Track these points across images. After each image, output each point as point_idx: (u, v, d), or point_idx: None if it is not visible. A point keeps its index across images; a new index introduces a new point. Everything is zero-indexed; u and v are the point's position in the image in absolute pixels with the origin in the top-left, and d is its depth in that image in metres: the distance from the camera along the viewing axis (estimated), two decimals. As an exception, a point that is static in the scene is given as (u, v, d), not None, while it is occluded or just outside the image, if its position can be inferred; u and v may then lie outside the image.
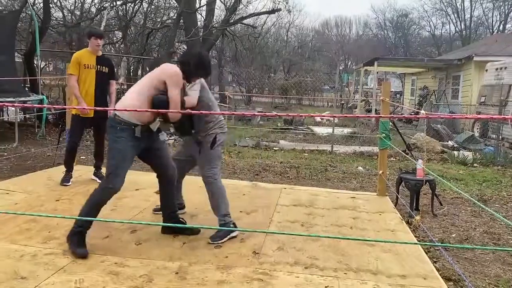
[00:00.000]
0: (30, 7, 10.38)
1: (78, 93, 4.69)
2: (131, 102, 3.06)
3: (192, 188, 4.43)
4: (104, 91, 4.91)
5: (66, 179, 4.82)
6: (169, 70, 3.14)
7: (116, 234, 3.35)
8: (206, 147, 3.44)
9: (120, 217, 3.74)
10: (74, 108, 4.72)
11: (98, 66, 4.80)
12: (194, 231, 3.46)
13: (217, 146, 3.45)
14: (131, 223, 3.49)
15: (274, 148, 9.06)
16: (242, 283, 2.68)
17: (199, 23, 17.69)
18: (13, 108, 9.58)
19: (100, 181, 4.76)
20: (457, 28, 36.56)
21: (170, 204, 3.48)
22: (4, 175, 5.44)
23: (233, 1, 19.03)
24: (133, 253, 3.01)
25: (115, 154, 3.04)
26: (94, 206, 3.05)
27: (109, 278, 2.65)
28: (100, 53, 4.87)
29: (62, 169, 5.13)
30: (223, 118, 3.60)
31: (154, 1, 18.26)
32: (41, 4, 11.22)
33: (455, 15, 36.16)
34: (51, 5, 11.92)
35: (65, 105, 5.17)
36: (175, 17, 15.34)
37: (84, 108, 4.65)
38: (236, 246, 3.25)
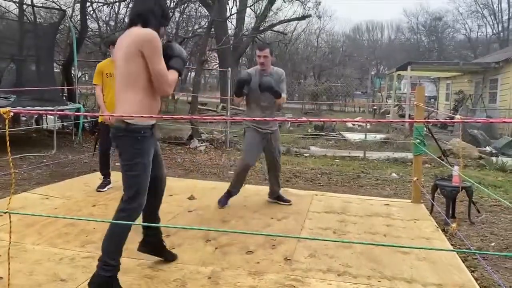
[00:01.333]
0: (68, 19, 10.79)
1: (101, 102, 4.83)
2: (132, 106, 2.50)
3: (220, 194, 4.48)
4: None
5: (101, 185, 4.96)
6: (145, 35, 2.44)
7: (150, 239, 3.42)
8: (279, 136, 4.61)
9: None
10: (101, 115, 4.84)
11: None
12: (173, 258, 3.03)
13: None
14: (167, 227, 3.55)
15: (305, 155, 9.01)
16: (274, 289, 2.68)
17: (229, 31, 17.91)
18: (51, 117, 9.96)
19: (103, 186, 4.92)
20: (494, 31, 35.45)
21: (154, 212, 2.94)
22: (43, 181, 5.65)
23: (263, 9, 19.15)
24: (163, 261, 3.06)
25: (138, 170, 2.54)
26: (121, 237, 2.57)
27: (144, 281, 2.71)
28: None
29: (98, 175, 5.28)
30: None
31: (186, 11, 18.60)
32: (78, 16, 11.64)
33: (492, 17, 35.07)
34: (87, 17, 12.34)
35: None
36: (206, 25, 15.57)
37: (106, 115, 4.64)
38: (268, 252, 3.25)
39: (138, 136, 2.50)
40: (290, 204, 4.57)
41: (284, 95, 4.31)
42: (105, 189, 4.93)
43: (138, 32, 2.48)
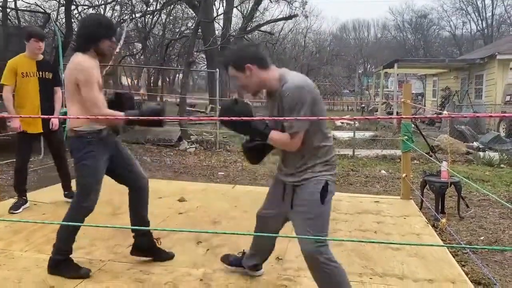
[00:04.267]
0: (53, 22, 10.67)
1: (11, 107, 4.03)
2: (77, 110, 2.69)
3: (215, 196, 4.46)
4: (50, 101, 4.23)
5: (15, 206, 4.13)
6: (76, 66, 2.65)
7: (140, 242, 3.39)
8: (310, 200, 2.25)
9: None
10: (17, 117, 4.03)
11: (40, 73, 4.11)
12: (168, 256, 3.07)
13: (328, 200, 2.28)
14: (157, 230, 3.52)
15: (295, 154, 9.03)
16: (267, 289, 2.67)
17: (217, 32, 17.86)
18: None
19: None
20: (478, 27, 35.89)
21: (142, 221, 2.98)
22: (31, 186, 5.57)
23: (250, 9, 19.15)
24: (158, 261, 3.04)
25: (85, 172, 2.72)
26: (72, 228, 2.78)
27: (135, 285, 2.68)
28: (41, 57, 4.17)
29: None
30: (333, 152, 2.39)
31: (172, 12, 18.54)
32: (64, 20, 11.53)
33: (476, 14, 35.51)
34: (72, 20, 12.23)
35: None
36: (193, 27, 15.54)
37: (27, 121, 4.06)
38: (260, 253, 3.24)
39: (85, 141, 2.70)
40: None
41: (279, 135, 2.28)
42: (20, 210, 4.13)
43: (73, 60, 2.71)
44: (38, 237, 3.43)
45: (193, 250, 3.26)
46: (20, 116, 3.99)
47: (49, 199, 4.62)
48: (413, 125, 5.19)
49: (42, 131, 4.24)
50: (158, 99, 20.66)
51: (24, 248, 3.24)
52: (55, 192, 4.96)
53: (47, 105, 4.19)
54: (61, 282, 2.69)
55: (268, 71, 2.29)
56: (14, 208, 4.13)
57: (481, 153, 8.54)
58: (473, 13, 35.69)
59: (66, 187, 4.53)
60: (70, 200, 4.00)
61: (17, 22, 10.73)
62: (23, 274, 2.79)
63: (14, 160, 4.39)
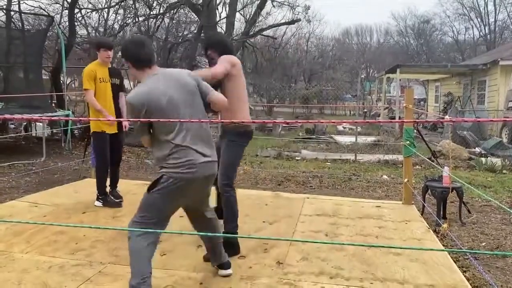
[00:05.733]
0: (57, 25, 10.71)
1: (100, 107, 4.36)
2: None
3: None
4: (118, 105, 4.61)
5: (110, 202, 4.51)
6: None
7: (141, 245, 3.38)
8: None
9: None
10: (97, 120, 4.30)
11: (112, 79, 4.53)
12: None
13: (157, 191, 2.48)
14: (159, 232, 3.51)
15: (296, 158, 9.02)
16: (267, 293, 2.66)
17: (219, 36, 17.86)
18: (40, 124, 9.86)
19: (117, 201, 4.51)
20: (481, 33, 35.83)
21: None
22: (32, 188, 5.58)
23: (252, 14, 19.21)
24: (158, 264, 3.03)
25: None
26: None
27: (135, 288, 2.67)
28: (109, 65, 4.62)
29: (88, 182, 5.22)
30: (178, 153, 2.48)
31: (175, 16, 18.59)
32: (67, 23, 11.57)
33: (479, 20, 35.47)
34: (76, 23, 12.27)
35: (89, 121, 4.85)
36: (196, 31, 15.58)
37: (110, 120, 4.42)
38: (260, 257, 3.23)
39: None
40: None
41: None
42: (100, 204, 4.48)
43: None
44: (39, 239, 3.43)
45: (193, 254, 3.25)
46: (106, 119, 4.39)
47: (50, 201, 4.62)
48: (415, 130, 5.17)
49: (117, 131, 4.57)
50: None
51: (25, 250, 3.24)
52: (56, 194, 4.96)
53: (117, 108, 4.58)
54: (61, 284, 2.69)
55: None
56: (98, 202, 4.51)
57: (483, 159, 8.51)
58: (475, 18, 35.65)
59: (115, 185, 4.73)
60: (112, 198, 4.53)
61: (20, 25, 10.75)
62: (23, 275, 2.79)
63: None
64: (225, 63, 3.19)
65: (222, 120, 3.31)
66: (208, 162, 2.54)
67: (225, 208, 3.27)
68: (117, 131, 4.57)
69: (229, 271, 2.89)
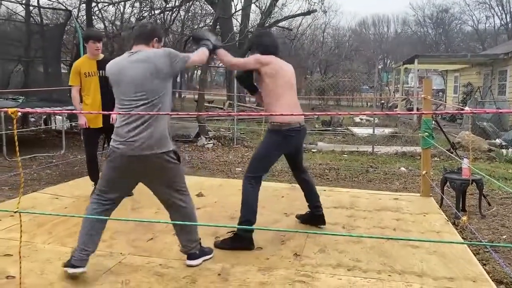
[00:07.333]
0: (74, 20, 10.83)
1: (77, 105, 4.43)
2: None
3: (232, 192, 4.48)
4: (111, 97, 4.54)
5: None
6: None
7: (160, 236, 3.43)
8: None
9: (163, 219, 3.82)
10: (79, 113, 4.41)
11: (101, 72, 4.32)
12: None
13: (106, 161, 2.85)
14: (176, 223, 3.55)
15: (313, 150, 8.99)
16: (284, 285, 2.68)
17: (235, 28, 17.88)
18: (60, 117, 10.02)
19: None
20: (502, 21, 35.01)
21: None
22: (53, 180, 5.70)
23: (268, 5, 19.10)
24: (177, 255, 3.07)
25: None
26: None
27: (154, 279, 2.72)
28: (100, 57, 4.44)
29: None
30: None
31: (191, 9, 18.60)
32: (84, 17, 11.69)
33: (500, 8, 34.64)
34: (93, 17, 12.38)
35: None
36: (211, 23, 15.56)
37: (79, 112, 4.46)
38: (277, 248, 3.25)
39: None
40: None
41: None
42: None
43: None
44: (61, 230, 3.51)
45: (211, 245, 3.28)
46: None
47: (71, 193, 4.71)
48: (433, 122, 5.10)
49: (101, 125, 4.48)
50: (177, 95, 20.82)
51: (47, 240, 3.31)
52: (76, 186, 5.06)
53: (108, 102, 4.23)
54: (83, 274, 2.74)
55: None
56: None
57: (504, 151, 8.35)
58: (496, 7, 34.82)
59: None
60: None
61: (39, 20, 10.90)
62: (46, 266, 2.86)
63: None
64: (251, 59, 3.34)
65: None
66: (130, 143, 2.63)
67: (242, 199, 3.30)
68: (101, 125, 4.43)
69: (189, 262, 2.91)
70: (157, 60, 2.66)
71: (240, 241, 3.21)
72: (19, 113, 1.95)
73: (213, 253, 3.07)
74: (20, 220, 2.16)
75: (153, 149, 2.64)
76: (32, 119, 11.08)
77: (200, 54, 3.04)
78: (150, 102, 2.64)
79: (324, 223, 3.71)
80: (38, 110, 6.93)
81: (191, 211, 2.93)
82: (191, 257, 2.92)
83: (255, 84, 3.53)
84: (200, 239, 3.00)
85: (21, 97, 8.71)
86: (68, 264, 2.66)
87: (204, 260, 2.96)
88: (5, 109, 2.03)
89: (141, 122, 2.62)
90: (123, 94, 2.70)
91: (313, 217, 3.75)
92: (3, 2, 10.65)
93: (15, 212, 2.08)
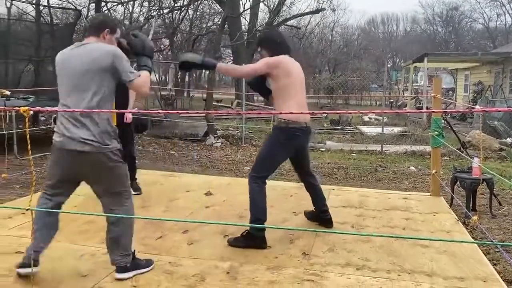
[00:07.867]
0: (84, 19, 10.91)
1: None
2: None
3: (241, 191, 4.48)
4: (124, 96, 4.28)
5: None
6: None
7: (169, 234, 3.45)
8: None
9: (172, 218, 3.84)
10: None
11: None
12: None
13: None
14: (185, 221, 3.57)
15: (321, 149, 8.97)
16: (293, 283, 2.68)
17: (243, 27, 17.88)
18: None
19: (134, 193, 4.28)
20: (513, 19, 34.61)
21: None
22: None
23: (276, 3, 19.08)
24: (186, 253, 3.09)
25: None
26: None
27: (164, 277, 2.74)
28: None
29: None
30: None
31: (199, 8, 18.65)
32: (94, 16, 11.77)
33: (511, 5, 34.25)
34: (102, 17, 12.45)
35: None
36: (220, 22, 15.59)
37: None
38: (286, 247, 3.25)
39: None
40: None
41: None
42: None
43: None
44: (71, 228, 3.54)
45: (220, 243, 3.29)
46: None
47: (80, 191, 4.73)
48: (443, 120, 5.06)
49: (116, 124, 4.42)
50: (185, 94, 20.87)
51: (58, 238, 3.33)
52: (86, 184, 5.08)
53: (119, 100, 4.06)
54: (93, 271, 2.77)
55: None
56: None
57: (515, 150, 8.27)
58: (508, 4, 34.41)
59: (131, 178, 4.60)
60: (135, 192, 4.35)
61: (49, 19, 11.00)
62: (57, 263, 2.89)
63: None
64: (260, 64, 3.29)
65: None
66: (68, 138, 2.59)
67: (249, 198, 3.30)
68: (116, 124, 4.41)
69: (117, 275, 2.67)
70: (98, 54, 2.55)
71: (253, 239, 3.22)
72: (31, 112, 1.98)
73: (151, 265, 2.82)
74: (32, 218, 2.18)
75: (92, 145, 2.58)
76: (42, 118, 11.18)
77: (144, 80, 2.69)
78: (88, 96, 2.57)
79: (331, 226, 3.68)
80: (49, 109, 6.97)
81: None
82: (118, 270, 2.69)
83: (267, 86, 3.47)
84: (133, 251, 2.78)
85: (31, 96, 8.79)
86: (22, 265, 2.60)
87: (135, 275, 2.70)
88: (17, 108, 2.06)
89: (80, 117, 2.57)
90: (63, 86, 2.69)
91: (321, 219, 3.74)
92: (13, 2, 10.76)
93: (27, 209, 2.11)
